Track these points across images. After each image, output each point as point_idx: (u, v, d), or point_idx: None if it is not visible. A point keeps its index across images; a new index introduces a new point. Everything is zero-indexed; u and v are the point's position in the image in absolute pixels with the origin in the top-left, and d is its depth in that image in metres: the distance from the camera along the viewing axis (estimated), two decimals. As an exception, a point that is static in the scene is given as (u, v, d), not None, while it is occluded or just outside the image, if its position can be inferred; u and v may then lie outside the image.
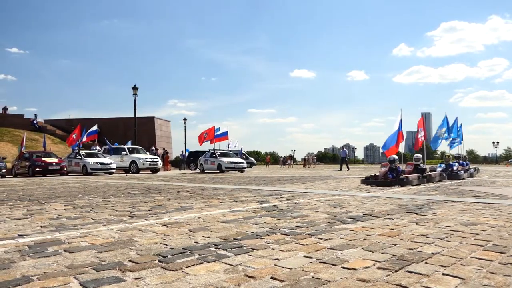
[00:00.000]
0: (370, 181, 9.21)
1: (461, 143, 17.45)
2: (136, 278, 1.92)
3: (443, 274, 1.97)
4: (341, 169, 23.31)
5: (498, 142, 54.63)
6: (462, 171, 12.50)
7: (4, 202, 5.62)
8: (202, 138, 22.68)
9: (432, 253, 2.37)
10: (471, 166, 15.79)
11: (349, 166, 26.62)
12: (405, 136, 14.92)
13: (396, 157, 9.78)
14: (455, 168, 11.75)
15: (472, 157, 72.50)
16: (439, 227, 3.28)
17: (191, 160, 27.08)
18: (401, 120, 11.69)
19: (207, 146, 25.66)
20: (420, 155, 10.63)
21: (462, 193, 6.85)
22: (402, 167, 10.38)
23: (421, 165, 10.39)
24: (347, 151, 27.26)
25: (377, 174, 9.65)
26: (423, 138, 13.82)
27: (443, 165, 11.76)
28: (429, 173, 10.39)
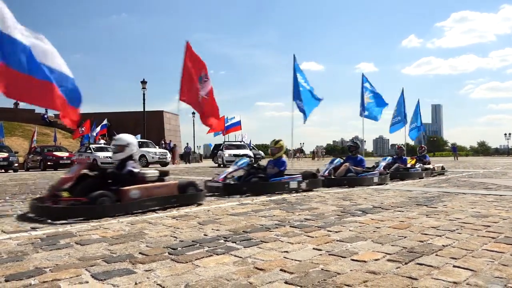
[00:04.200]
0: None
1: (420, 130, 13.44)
2: (146, 270, 1.94)
3: (454, 266, 1.95)
4: None
5: (510, 134, 53.63)
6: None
7: (17, 196, 5.71)
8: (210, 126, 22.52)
9: (443, 245, 2.35)
10: (438, 165, 10.26)
11: None
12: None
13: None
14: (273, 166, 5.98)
15: (483, 149, 71.46)
16: (450, 219, 3.25)
17: (215, 153, 26.60)
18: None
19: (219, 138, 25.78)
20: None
21: (473, 185, 6.78)
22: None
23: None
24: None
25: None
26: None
27: (243, 161, 6.01)
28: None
